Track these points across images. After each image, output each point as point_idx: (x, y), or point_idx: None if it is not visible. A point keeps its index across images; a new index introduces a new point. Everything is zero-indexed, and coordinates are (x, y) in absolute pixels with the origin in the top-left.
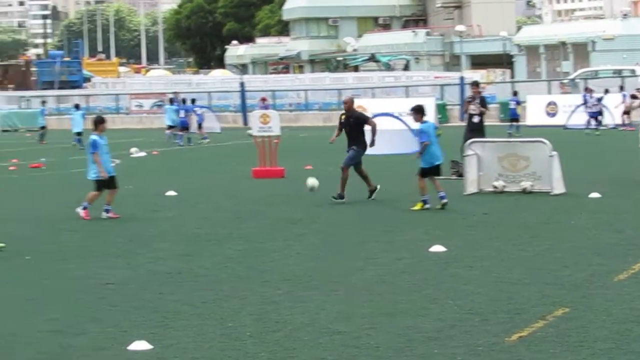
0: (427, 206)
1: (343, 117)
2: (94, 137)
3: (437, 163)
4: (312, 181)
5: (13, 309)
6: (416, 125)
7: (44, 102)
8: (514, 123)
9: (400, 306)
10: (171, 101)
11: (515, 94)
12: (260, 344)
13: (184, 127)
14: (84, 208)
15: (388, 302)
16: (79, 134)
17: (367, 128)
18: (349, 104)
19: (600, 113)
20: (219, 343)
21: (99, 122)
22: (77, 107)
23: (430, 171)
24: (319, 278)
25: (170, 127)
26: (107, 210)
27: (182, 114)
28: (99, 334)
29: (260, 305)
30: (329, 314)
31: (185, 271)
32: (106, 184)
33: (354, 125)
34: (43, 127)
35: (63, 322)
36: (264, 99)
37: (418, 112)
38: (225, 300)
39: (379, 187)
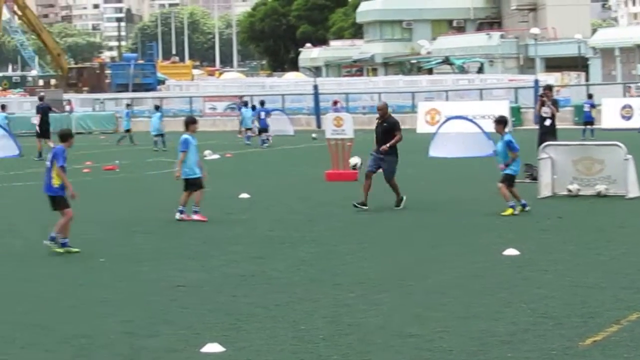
0: (516, 212)
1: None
2: (185, 136)
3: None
4: (355, 159)
5: (87, 311)
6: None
7: (129, 105)
8: (588, 127)
9: (474, 309)
10: (245, 104)
11: (590, 96)
12: (333, 346)
13: (264, 129)
14: (181, 212)
15: (461, 305)
16: (156, 135)
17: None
18: (383, 110)
19: None
20: (292, 346)
21: (190, 122)
22: (157, 108)
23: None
24: (392, 281)
25: (246, 129)
26: (195, 212)
27: (262, 115)
28: (172, 336)
29: (333, 308)
30: (402, 317)
31: (258, 274)
32: (195, 185)
33: (385, 131)
34: (128, 130)
35: (136, 324)
36: (336, 102)
37: (500, 123)
38: (298, 302)
39: (405, 197)
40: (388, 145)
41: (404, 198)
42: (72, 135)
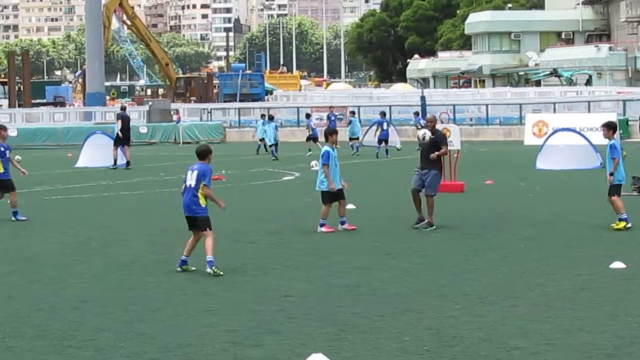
0: (629, 225)
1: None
2: (326, 148)
3: (622, 182)
4: (423, 132)
5: (192, 320)
6: (603, 141)
7: (272, 118)
8: None
9: (579, 322)
10: (352, 113)
11: None
12: (437, 358)
13: (384, 139)
14: (322, 225)
15: (567, 318)
16: (272, 145)
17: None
18: (433, 123)
19: None
20: (396, 357)
21: (330, 134)
22: (271, 118)
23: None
24: (497, 293)
25: (351, 138)
26: (342, 223)
27: (384, 126)
28: (276, 346)
29: (438, 320)
30: (507, 330)
31: (363, 284)
32: (334, 196)
33: (432, 145)
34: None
35: (241, 334)
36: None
37: (609, 128)
38: (402, 314)
39: (434, 227)
40: (436, 154)
41: (434, 226)
42: (211, 152)
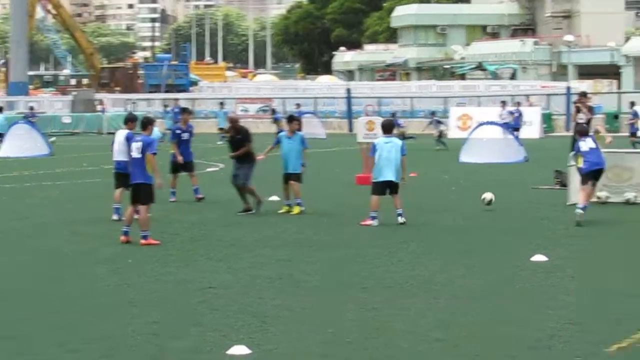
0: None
1: (227, 134)
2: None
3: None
4: (488, 195)
5: (114, 311)
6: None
7: (222, 104)
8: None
9: (500, 315)
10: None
11: (632, 105)
12: (360, 350)
13: None
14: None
15: (488, 310)
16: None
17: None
18: (235, 123)
19: None
20: (318, 349)
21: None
22: (222, 104)
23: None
24: (420, 286)
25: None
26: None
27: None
28: (198, 338)
29: (361, 312)
30: (429, 322)
31: (286, 276)
32: (382, 188)
33: (238, 142)
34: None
35: (163, 325)
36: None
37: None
38: (325, 306)
39: (254, 210)
40: (236, 154)
41: (254, 210)
42: (152, 122)
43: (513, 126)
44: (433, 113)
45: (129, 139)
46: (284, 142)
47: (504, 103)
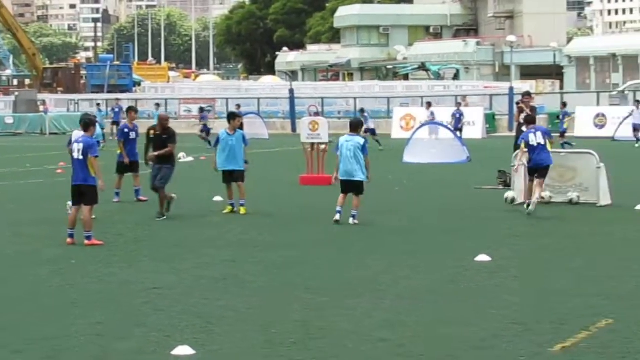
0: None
1: (152, 132)
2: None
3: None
4: (511, 194)
5: (57, 312)
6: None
7: (157, 105)
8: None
9: (445, 315)
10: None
11: (564, 105)
12: (304, 350)
13: None
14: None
15: (433, 311)
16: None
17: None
18: (164, 122)
19: None
20: (263, 349)
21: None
22: (201, 109)
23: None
24: (364, 286)
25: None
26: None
27: None
28: (143, 339)
29: (305, 312)
30: (373, 322)
31: (230, 277)
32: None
33: (163, 141)
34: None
35: (107, 326)
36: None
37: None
38: (270, 306)
39: (166, 216)
40: (160, 152)
41: (165, 216)
42: (94, 124)
43: (454, 127)
44: (362, 110)
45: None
46: (225, 140)
47: (429, 104)
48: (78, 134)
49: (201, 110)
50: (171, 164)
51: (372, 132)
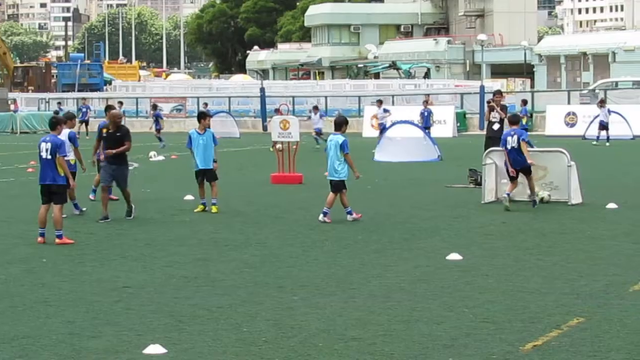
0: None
1: (104, 130)
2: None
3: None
4: (543, 193)
5: (28, 311)
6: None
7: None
8: None
9: (416, 314)
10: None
11: (524, 103)
12: (276, 349)
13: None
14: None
15: (404, 309)
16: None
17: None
18: (117, 120)
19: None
20: (234, 348)
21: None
22: (154, 107)
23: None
24: (336, 285)
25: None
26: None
27: None
28: (114, 337)
29: (276, 311)
30: (345, 321)
31: (201, 276)
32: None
33: (118, 140)
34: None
35: (78, 325)
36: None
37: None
38: (241, 305)
39: (135, 212)
40: (117, 150)
41: (134, 209)
42: (60, 123)
43: (423, 125)
44: (316, 107)
45: (71, 139)
46: (196, 139)
47: (380, 102)
48: (66, 132)
49: (154, 107)
50: (126, 162)
51: (319, 131)
